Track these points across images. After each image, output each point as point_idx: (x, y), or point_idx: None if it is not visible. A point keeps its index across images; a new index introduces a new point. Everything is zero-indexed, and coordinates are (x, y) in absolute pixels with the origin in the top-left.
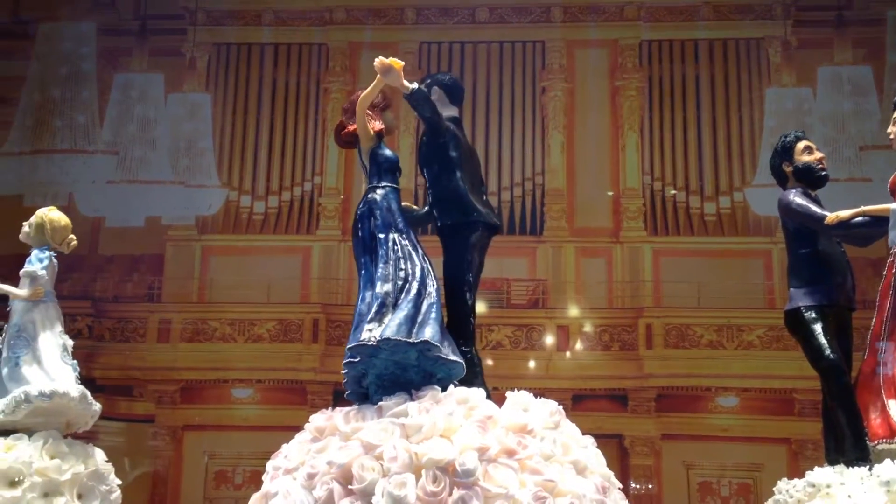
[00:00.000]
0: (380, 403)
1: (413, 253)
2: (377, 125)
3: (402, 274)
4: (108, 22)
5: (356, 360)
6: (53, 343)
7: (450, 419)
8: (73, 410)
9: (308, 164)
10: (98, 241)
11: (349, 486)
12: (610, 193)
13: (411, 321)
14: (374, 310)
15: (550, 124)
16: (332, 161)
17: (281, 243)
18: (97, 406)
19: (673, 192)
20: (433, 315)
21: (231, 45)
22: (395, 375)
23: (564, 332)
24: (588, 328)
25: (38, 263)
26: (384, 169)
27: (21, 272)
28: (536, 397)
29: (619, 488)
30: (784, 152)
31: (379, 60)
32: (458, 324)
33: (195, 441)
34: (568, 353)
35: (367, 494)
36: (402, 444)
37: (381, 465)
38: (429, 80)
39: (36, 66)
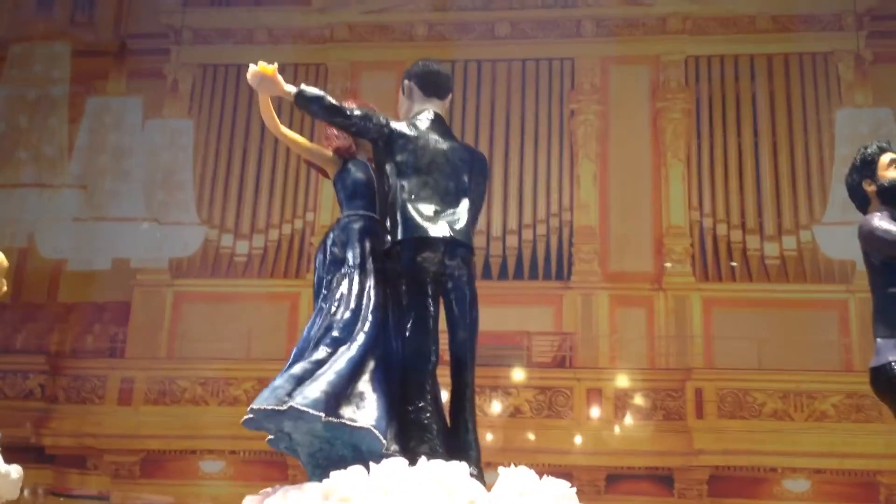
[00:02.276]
0: (324, 483)
1: (351, 295)
2: (337, 143)
3: (324, 323)
4: (84, 42)
5: (271, 436)
6: None
7: None
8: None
9: (300, 199)
10: (58, 287)
11: None
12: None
13: (294, 381)
14: (283, 369)
15: (580, 152)
16: (327, 195)
17: (266, 289)
18: (15, 474)
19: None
20: (329, 370)
21: (218, 65)
22: (325, 452)
23: (596, 397)
24: (625, 392)
25: None
26: (349, 194)
27: None
28: (546, 476)
29: None
30: (864, 167)
31: (249, 72)
32: (408, 376)
33: None
34: (601, 423)
35: None
36: None
37: None
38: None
39: (3, 90)
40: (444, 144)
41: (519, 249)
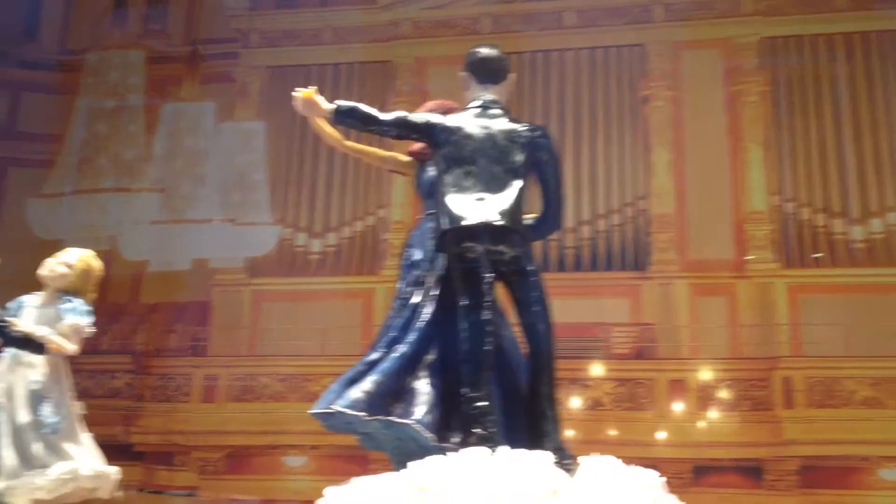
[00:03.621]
0: (403, 471)
1: (412, 295)
2: (412, 146)
3: (386, 323)
4: (157, 49)
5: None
6: (76, 408)
7: (499, 495)
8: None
9: (371, 196)
10: (141, 288)
11: None
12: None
13: (346, 384)
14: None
15: (654, 139)
16: (398, 192)
17: (340, 286)
18: (115, 475)
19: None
20: (377, 369)
21: (287, 67)
22: (399, 447)
23: (678, 388)
24: (708, 383)
25: (88, 317)
26: (425, 195)
27: (66, 324)
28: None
29: None
30: None
31: (294, 101)
32: (463, 368)
33: None
34: (684, 415)
35: None
36: None
37: None
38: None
39: (83, 99)
40: (492, 129)
41: (594, 240)
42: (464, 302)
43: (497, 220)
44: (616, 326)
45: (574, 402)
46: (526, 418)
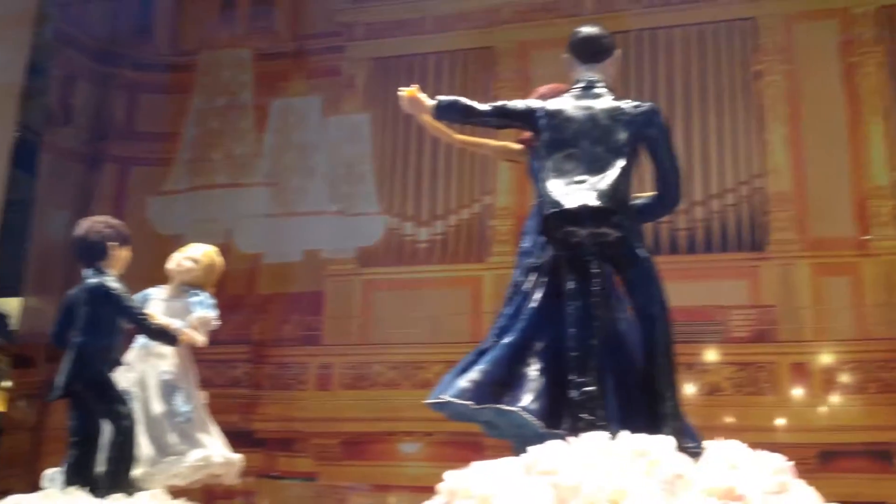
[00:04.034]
0: (524, 456)
1: (523, 283)
2: (522, 135)
3: (500, 311)
4: (265, 45)
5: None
6: (202, 397)
7: (622, 478)
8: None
9: (477, 183)
10: (256, 280)
11: None
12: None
13: (457, 373)
14: None
15: (769, 115)
16: (504, 178)
17: (448, 274)
18: (239, 463)
19: None
20: (485, 358)
21: (390, 58)
22: (519, 434)
23: (801, 372)
24: (833, 365)
25: (214, 310)
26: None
27: (195, 317)
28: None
29: None
30: None
31: (400, 99)
32: (571, 354)
33: (359, 502)
34: (808, 398)
35: None
36: None
37: None
38: None
39: (196, 98)
40: (594, 109)
41: (707, 221)
42: (570, 287)
43: (597, 202)
44: (734, 309)
45: (692, 388)
46: (644, 403)
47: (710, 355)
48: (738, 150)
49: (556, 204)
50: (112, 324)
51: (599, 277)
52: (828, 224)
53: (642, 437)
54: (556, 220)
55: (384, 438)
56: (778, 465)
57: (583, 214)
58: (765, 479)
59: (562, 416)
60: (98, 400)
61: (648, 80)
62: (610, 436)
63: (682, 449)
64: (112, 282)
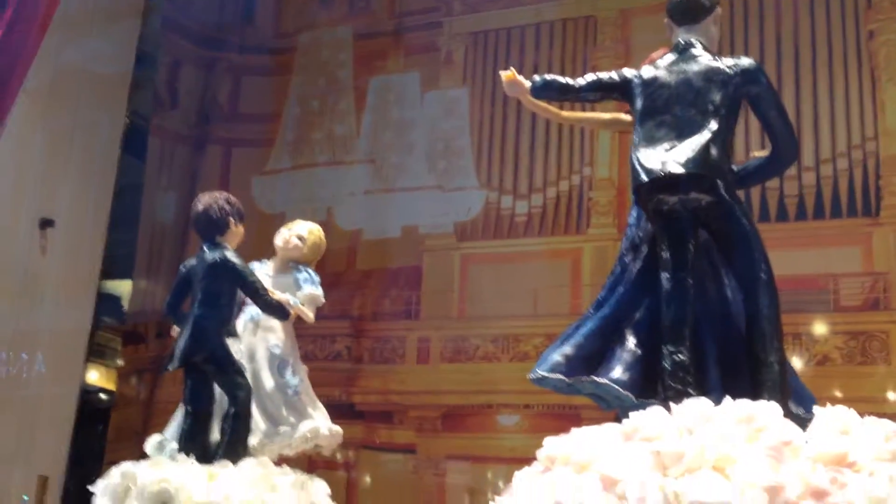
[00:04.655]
0: (624, 423)
1: (625, 257)
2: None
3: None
4: (363, 25)
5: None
6: (305, 370)
7: (725, 445)
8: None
9: (576, 155)
10: (356, 256)
11: None
12: None
13: (554, 347)
14: None
15: (883, 75)
16: (603, 148)
17: (547, 247)
18: (339, 435)
19: None
20: (578, 332)
21: (488, 31)
22: (624, 408)
23: None
24: None
25: (320, 288)
26: None
27: (305, 293)
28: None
29: None
30: None
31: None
32: (665, 325)
33: (458, 473)
34: None
35: None
36: (655, 480)
37: None
38: None
39: (296, 79)
40: (689, 72)
41: (818, 187)
42: (665, 256)
43: (683, 168)
44: (845, 277)
45: (800, 359)
46: (749, 371)
47: (820, 325)
48: (850, 113)
49: (646, 173)
50: (230, 297)
51: (694, 245)
52: None
53: (746, 404)
54: (647, 190)
55: (482, 411)
56: (888, 432)
57: (671, 181)
58: (877, 445)
59: (656, 387)
60: (218, 371)
61: (755, 41)
62: (713, 403)
63: (788, 415)
64: (234, 256)
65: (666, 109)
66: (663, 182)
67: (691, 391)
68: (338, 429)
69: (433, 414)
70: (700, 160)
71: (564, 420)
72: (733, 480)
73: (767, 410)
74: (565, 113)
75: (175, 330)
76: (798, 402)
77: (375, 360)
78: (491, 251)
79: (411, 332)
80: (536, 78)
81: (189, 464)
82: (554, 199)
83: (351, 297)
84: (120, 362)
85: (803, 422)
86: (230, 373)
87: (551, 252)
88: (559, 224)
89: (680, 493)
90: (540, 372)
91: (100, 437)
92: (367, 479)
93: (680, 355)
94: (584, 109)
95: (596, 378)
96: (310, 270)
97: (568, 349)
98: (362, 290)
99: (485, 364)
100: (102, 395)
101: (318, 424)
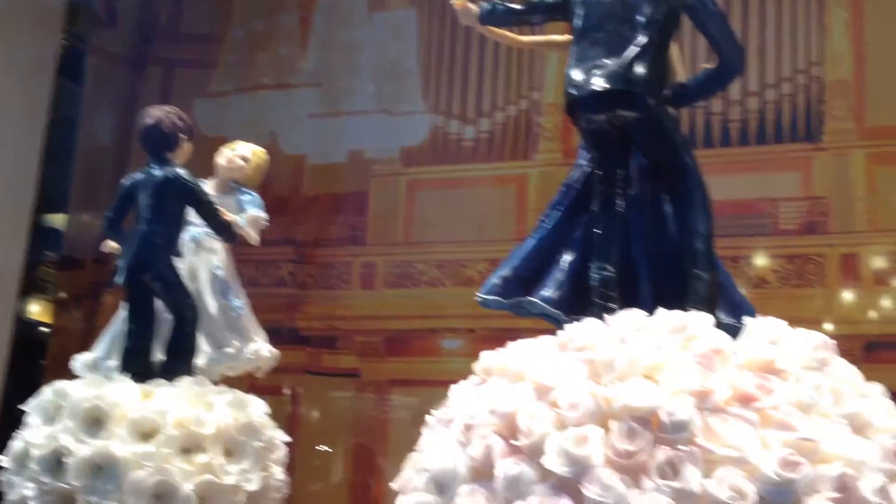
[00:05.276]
0: (560, 332)
1: (565, 182)
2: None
3: None
4: None
5: None
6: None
7: (658, 353)
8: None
9: (524, 79)
10: (301, 181)
11: (513, 442)
12: None
13: (496, 271)
14: None
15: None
16: (551, 73)
17: (494, 172)
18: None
19: None
20: (517, 254)
21: None
22: None
23: (851, 264)
24: (885, 256)
25: (262, 211)
26: None
27: (249, 215)
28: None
29: None
30: None
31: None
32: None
33: (402, 397)
34: (858, 291)
35: (535, 452)
36: (587, 386)
37: (557, 413)
38: None
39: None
40: None
41: (761, 112)
42: (598, 174)
43: (607, 84)
44: (785, 201)
45: (738, 282)
46: (681, 284)
47: (758, 248)
48: (796, 37)
49: (574, 89)
50: (180, 215)
51: (625, 163)
52: (886, 112)
53: (679, 314)
54: (574, 109)
55: (426, 336)
56: (818, 342)
57: (597, 99)
58: (804, 354)
59: (581, 304)
60: (165, 290)
61: None
62: (646, 314)
63: (721, 326)
64: (187, 174)
65: (600, 27)
66: (589, 100)
67: (615, 306)
68: (277, 352)
69: (377, 339)
70: (624, 76)
71: (506, 343)
72: (663, 386)
73: (699, 320)
74: (522, 38)
75: (109, 245)
76: (735, 313)
77: (320, 285)
78: (437, 177)
79: (356, 258)
80: (484, 4)
81: (123, 381)
82: (502, 124)
83: (295, 222)
84: (58, 294)
85: (735, 332)
86: (178, 292)
87: (498, 178)
88: (506, 149)
89: (611, 398)
90: (480, 295)
91: (37, 368)
92: (311, 403)
93: (605, 271)
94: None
95: (529, 298)
96: (253, 193)
97: (506, 271)
98: (307, 215)
99: (429, 289)
100: (40, 328)
101: (261, 347)
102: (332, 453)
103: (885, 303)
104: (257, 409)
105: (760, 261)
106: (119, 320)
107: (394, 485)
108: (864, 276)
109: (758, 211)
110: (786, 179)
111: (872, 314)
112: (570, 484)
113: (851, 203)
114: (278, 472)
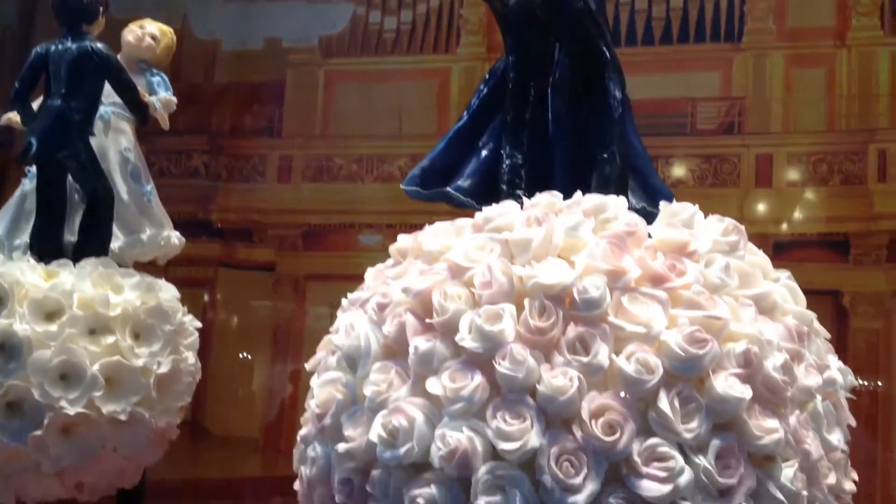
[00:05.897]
0: (478, 214)
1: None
2: None
3: None
4: None
5: None
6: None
7: (572, 234)
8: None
9: None
10: (214, 68)
11: (427, 320)
12: None
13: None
14: None
15: None
16: None
17: (415, 66)
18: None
19: None
20: (438, 146)
21: None
22: None
23: (766, 163)
24: (799, 157)
25: (171, 94)
26: None
27: (158, 98)
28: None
29: (827, 339)
30: None
31: None
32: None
33: (318, 291)
34: (772, 190)
35: (449, 330)
36: (500, 265)
37: (471, 292)
38: None
39: None
40: None
41: (685, 10)
42: (511, 59)
43: None
44: (703, 101)
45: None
46: (595, 171)
47: (676, 148)
48: None
49: None
50: (97, 92)
51: (536, 45)
52: (807, 14)
53: (595, 197)
54: None
55: (344, 230)
56: (730, 227)
57: None
58: (716, 238)
59: (491, 192)
60: (80, 169)
61: None
62: (562, 196)
63: (635, 209)
64: (106, 48)
65: None
66: None
67: (522, 193)
68: (183, 240)
69: (294, 233)
70: None
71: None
72: (576, 266)
73: (614, 203)
74: None
75: (10, 117)
76: (652, 198)
77: (234, 178)
78: (357, 68)
79: (273, 151)
80: None
81: (25, 261)
82: (424, 15)
83: (209, 111)
84: None
85: (652, 216)
86: (93, 172)
87: (419, 71)
88: (428, 42)
89: (524, 277)
90: (403, 186)
91: None
92: (226, 295)
93: (514, 158)
94: None
95: (445, 188)
96: (163, 74)
97: (426, 162)
98: (221, 104)
99: (348, 184)
100: None
101: (169, 233)
102: (247, 340)
103: (796, 203)
104: (167, 292)
105: (678, 160)
106: (19, 198)
107: (308, 365)
108: (777, 176)
109: (677, 110)
110: (706, 79)
111: (784, 213)
112: (482, 360)
113: (768, 104)
114: (191, 357)
